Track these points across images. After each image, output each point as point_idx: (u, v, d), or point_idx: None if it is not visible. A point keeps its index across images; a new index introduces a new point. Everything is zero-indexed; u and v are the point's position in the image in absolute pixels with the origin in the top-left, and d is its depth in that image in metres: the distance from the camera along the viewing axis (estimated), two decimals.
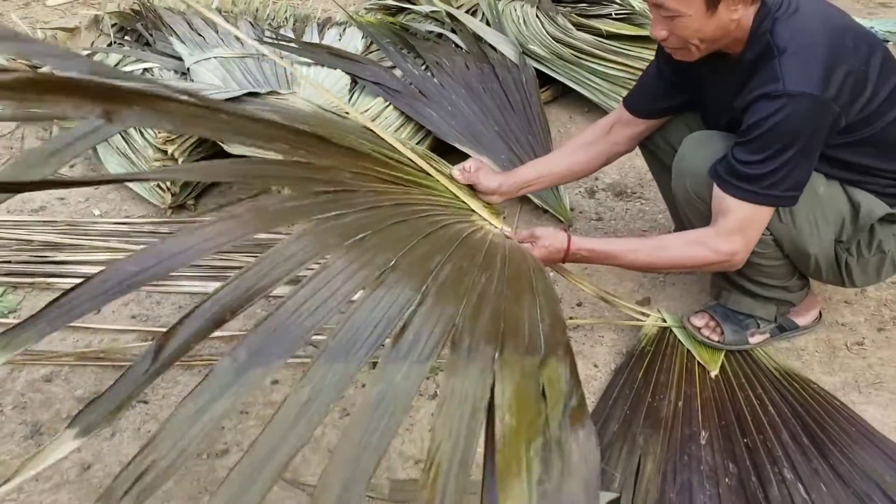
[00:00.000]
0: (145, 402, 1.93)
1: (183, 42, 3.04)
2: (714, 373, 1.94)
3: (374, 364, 2.01)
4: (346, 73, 2.86)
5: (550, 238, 1.76)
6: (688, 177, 1.82)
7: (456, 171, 1.91)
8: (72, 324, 2.13)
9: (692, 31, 1.64)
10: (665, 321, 2.09)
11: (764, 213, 1.70)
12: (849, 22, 1.71)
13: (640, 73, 2.80)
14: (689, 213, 1.90)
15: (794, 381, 1.92)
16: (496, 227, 1.71)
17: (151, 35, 3.25)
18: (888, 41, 4.18)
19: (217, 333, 2.12)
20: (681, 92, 1.94)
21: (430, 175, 1.79)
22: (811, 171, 1.68)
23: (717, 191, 1.72)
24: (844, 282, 1.89)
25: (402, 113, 2.79)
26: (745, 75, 1.70)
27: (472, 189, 1.92)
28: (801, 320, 2.08)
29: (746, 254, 1.75)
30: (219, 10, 3.85)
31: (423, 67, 3.05)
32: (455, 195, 1.81)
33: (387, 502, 1.67)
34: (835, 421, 1.81)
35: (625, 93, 3.10)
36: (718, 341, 2.00)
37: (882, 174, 1.76)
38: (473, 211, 1.77)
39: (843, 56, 1.60)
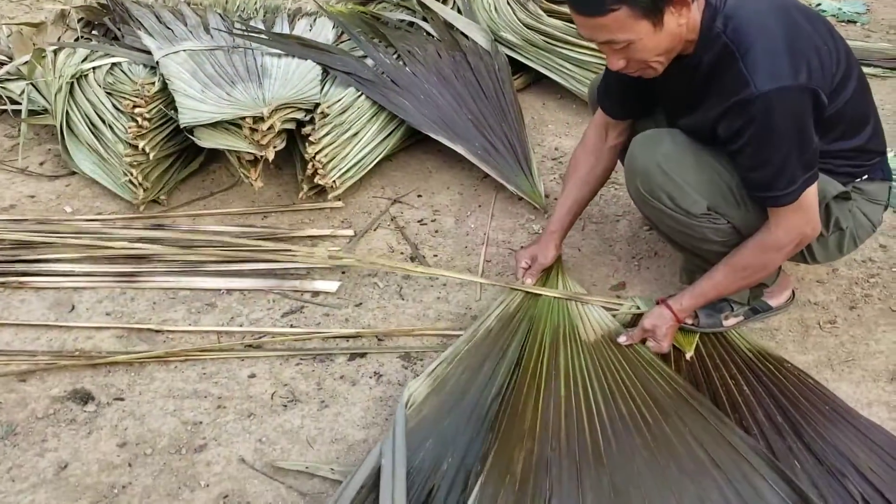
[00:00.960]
0: (121, 400, 1.92)
1: (151, 35, 3.00)
2: (689, 355, 1.95)
3: (351, 356, 2.02)
4: (318, 63, 2.84)
5: (658, 320, 1.92)
6: (638, 175, 1.84)
7: (527, 279, 2.15)
8: (46, 322, 2.13)
9: (648, 52, 1.64)
10: (639, 307, 2.10)
11: (802, 200, 1.69)
12: (792, 0, 1.72)
13: None
14: (649, 215, 1.92)
15: (768, 361, 1.94)
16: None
17: (119, 29, 3.21)
18: (856, 22, 4.23)
19: (192, 328, 2.12)
20: (646, 88, 1.94)
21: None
22: (817, 147, 1.68)
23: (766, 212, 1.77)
24: (807, 259, 1.94)
25: (375, 103, 2.77)
26: (706, 78, 1.70)
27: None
28: (774, 301, 2.10)
29: (814, 228, 1.76)
30: (187, 3, 3.81)
31: (395, 56, 3.04)
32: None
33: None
34: (808, 399, 1.83)
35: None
36: (693, 324, 2.01)
37: (836, 155, 1.78)
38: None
39: (801, 36, 1.62)
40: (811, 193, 1.70)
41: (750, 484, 1.55)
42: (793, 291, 2.14)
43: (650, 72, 1.72)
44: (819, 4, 4.35)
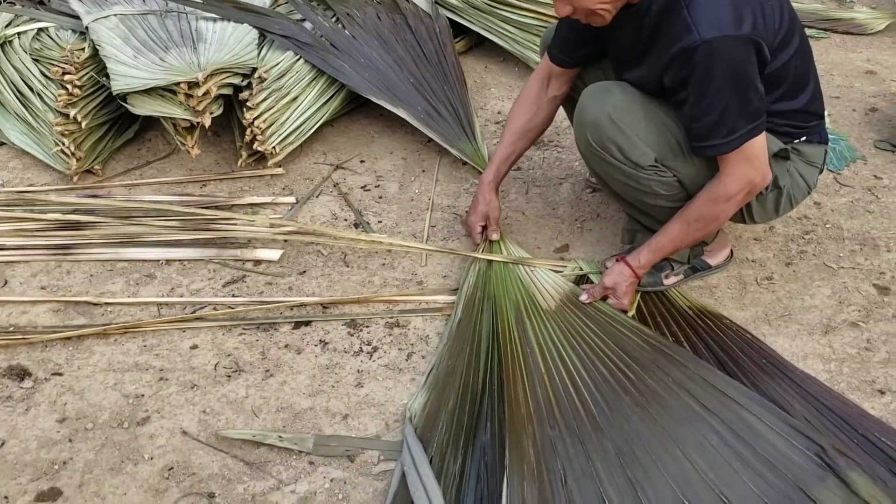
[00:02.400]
0: (60, 375, 1.87)
1: None
2: (631, 313, 1.98)
3: (296, 324, 2.00)
4: (254, 26, 2.77)
5: (618, 277, 1.95)
6: (588, 127, 1.84)
7: (493, 235, 2.20)
8: None
9: (592, 1, 1.67)
10: (582, 269, 2.12)
11: (747, 150, 1.72)
12: None
13: (553, 21, 2.80)
14: (597, 168, 1.93)
15: (708, 318, 1.99)
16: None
17: None
18: None
19: (131, 300, 2.08)
20: (596, 37, 1.95)
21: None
22: (762, 99, 1.70)
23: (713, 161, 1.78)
24: (745, 219, 1.97)
25: (314, 66, 2.72)
26: (653, 27, 1.71)
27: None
28: (713, 260, 2.13)
29: (763, 176, 1.77)
30: None
31: (334, 19, 2.98)
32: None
33: (312, 456, 1.67)
34: (746, 354, 1.88)
35: (538, 42, 3.12)
36: None
37: (777, 114, 1.81)
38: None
39: None
40: (757, 144, 1.72)
41: (744, 422, 1.59)
42: (731, 250, 2.18)
43: (598, 19, 1.73)
44: None
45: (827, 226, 2.36)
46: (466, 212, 2.32)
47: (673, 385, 1.69)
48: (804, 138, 1.90)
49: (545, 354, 1.82)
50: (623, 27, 1.78)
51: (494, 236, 2.19)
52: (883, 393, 1.83)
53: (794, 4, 3.70)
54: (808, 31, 3.51)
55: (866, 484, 1.47)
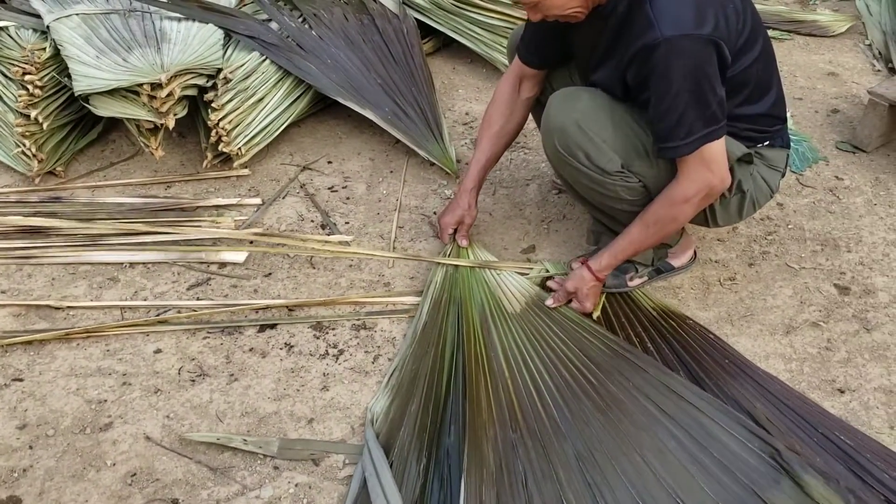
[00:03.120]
0: (20, 381, 1.85)
1: None
2: (596, 314, 1.99)
3: (261, 328, 1.99)
4: (219, 27, 2.75)
5: (580, 282, 1.96)
6: (555, 132, 1.85)
7: (462, 241, 2.20)
8: None
9: (559, 6, 1.69)
10: (549, 271, 2.13)
11: (704, 153, 1.72)
12: None
13: (521, 22, 2.80)
14: (564, 173, 1.94)
15: (672, 318, 2.01)
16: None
17: None
18: None
19: (94, 303, 2.05)
20: (563, 37, 1.96)
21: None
22: (722, 103, 1.70)
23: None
24: (708, 222, 1.99)
25: (280, 67, 2.71)
26: (618, 25, 1.72)
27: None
28: (676, 262, 2.15)
29: (722, 180, 1.77)
30: None
31: (301, 20, 2.96)
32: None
33: (276, 461, 1.66)
34: (709, 354, 1.90)
35: (506, 43, 3.13)
36: None
37: (740, 118, 1.82)
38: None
39: None
40: (715, 148, 1.73)
41: (700, 426, 1.61)
42: (695, 251, 2.20)
43: (571, 20, 1.76)
44: None
45: (789, 226, 2.40)
46: (436, 213, 2.32)
47: (633, 390, 1.71)
48: (767, 143, 1.92)
49: (509, 358, 1.82)
50: (590, 27, 1.79)
51: (464, 243, 2.19)
52: (842, 392, 1.86)
53: (758, 6, 3.74)
54: (771, 33, 3.58)
55: (819, 485, 1.50)
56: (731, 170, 1.84)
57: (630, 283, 2.08)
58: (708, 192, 1.78)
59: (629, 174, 1.84)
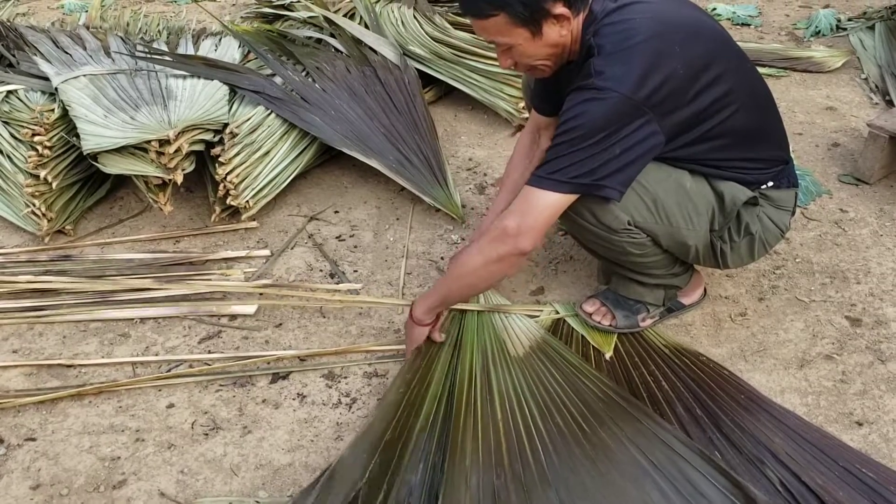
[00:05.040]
0: (33, 440, 1.84)
1: (49, 61, 2.91)
2: (608, 355, 1.99)
3: (273, 378, 1.99)
4: (225, 82, 2.80)
5: (406, 324, 1.99)
6: None
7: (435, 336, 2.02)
8: None
9: (530, 56, 1.73)
10: (559, 312, 2.13)
11: (540, 197, 1.67)
12: (687, 17, 1.74)
13: None
14: (570, 230, 1.95)
15: (685, 356, 2.00)
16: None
17: (14, 55, 3.09)
18: (749, 24, 4.39)
19: (106, 360, 2.05)
20: (555, 91, 1.97)
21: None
22: (619, 167, 1.64)
23: None
24: (720, 265, 1.96)
25: (285, 120, 2.75)
26: (574, 77, 1.72)
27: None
28: (686, 299, 2.15)
29: (529, 238, 1.70)
30: (86, 27, 3.71)
31: (304, 73, 3.01)
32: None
33: None
34: (724, 391, 1.88)
35: (507, 89, 3.19)
36: (610, 325, 2.05)
37: (736, 162, 1.82)
38: None
39: (664, 60, 1.61)
40: (552, 201, 1.67)
41: (688, 480, 1.57)
42: (704, 288, 2.20)
43: (538, 73, 1.81)
44: (714, 9, 4.51)
45: (797, 260, 2.40)
46: (443, 258, 2.31)
47: (625, 439, 1.68)
48: (771, 184, 1.88)
49: (504, 401, 1.80)
50: (565, 79, 1.79)
51: (438, 337, 2.05)
52: (861, 424, 1.84)
53: (752, 45, 3.76)
54: (768, 70, 3.63)
55: None
56: (738, 214, 1.84)
57: (642, 324, 2.07)
58: (514, 248, 1.71)
59: (636, 231, 1.83)
